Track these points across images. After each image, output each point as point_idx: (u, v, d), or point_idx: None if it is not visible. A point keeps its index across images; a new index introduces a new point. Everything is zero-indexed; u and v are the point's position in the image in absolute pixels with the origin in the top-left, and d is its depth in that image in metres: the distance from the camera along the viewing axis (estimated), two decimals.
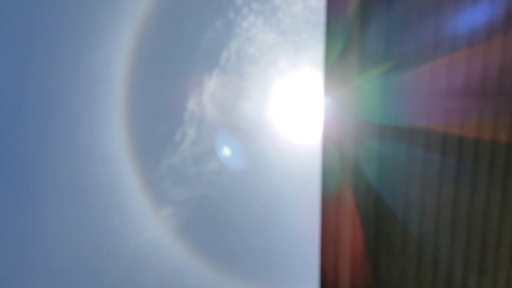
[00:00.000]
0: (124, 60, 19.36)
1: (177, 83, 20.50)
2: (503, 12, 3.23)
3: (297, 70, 20.98)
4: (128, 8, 19.07)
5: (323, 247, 3.35)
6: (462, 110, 3.26)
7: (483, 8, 3.21)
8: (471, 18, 3.24)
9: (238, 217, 21.54)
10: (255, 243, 21.33)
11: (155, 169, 20.48)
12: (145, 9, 18.84)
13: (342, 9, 3.31)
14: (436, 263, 3.49)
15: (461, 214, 3.35)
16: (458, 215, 3.35)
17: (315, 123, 22.00)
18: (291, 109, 21.32)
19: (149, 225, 20.47)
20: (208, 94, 20.62)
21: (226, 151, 21.09)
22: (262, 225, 21.47)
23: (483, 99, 3.21)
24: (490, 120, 3.22)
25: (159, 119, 20.70)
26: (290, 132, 21.66)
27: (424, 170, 3.35)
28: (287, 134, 21.68)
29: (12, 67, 19.25)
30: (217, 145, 21.43)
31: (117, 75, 19.53)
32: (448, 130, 3.24)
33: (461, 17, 3.25)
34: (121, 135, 20.10)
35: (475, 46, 3.28)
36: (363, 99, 3.16)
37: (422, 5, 3.28)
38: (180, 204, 21.01)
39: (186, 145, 21.39)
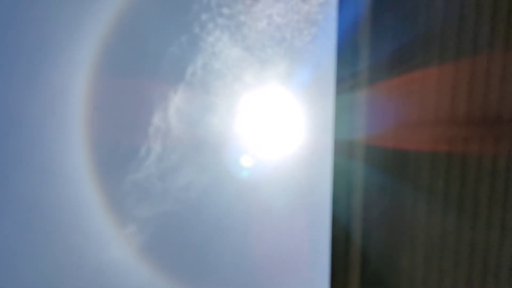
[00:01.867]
0: (85, 74, 18.91)
1: (142, 98, 20.18)
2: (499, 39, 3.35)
3: (262, 85, 21.10)
4: (90, 22, 18.71)
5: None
6: (461, 138, 3.32)
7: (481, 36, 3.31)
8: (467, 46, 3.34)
9: (205, 234, 21.22)
10: (223, 261, 21.03)
11: (118, 186, 19.95)
12: (108, 23, 18.54)
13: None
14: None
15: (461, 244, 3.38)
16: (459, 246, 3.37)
17: (280, 137, 22.14)
18: (257, 123, 21.37)
19: (112, 244, 19.83)
20: (174, 109, 20.39)
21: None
22: (230, 242, 21.22)
23: (483, 127, 3.29)
24: (490, 148, 3.30)
25: (123, 134, 20.25)
26: (256, 146, 21.66)
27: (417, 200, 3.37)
28: (253, 148, 21.66)
29: None
30: (184, 160, 21.13)
31: (78, 90, 19.04)
32: (440, 157, 3.29)
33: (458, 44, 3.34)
34: (82, 151, 19.52)
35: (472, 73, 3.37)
36: (347, 122, 3.15)
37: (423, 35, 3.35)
38: (144, 221, 20.51)
39: (151, 160, 20.99)
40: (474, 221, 3.45)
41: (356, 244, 3.31)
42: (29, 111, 19.18)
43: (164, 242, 20.70)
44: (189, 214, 21.16)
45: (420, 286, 3.46)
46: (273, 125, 21.12)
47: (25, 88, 18.89)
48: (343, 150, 2.97)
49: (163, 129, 20.66)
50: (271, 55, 22.12)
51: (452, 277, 3.51)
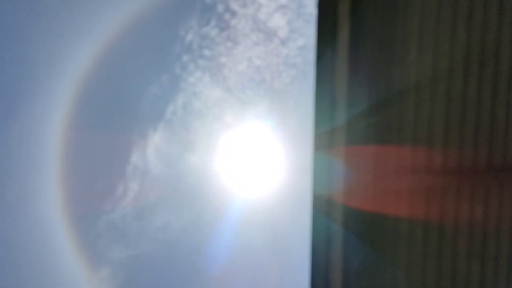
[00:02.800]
0: (64, 110, 18.70)
1: (121, 136, 20.00)
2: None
3: (242, 125, 21.22)
4: (73, 58, 18.71)
5: None
6: (437, 188, 3.35)
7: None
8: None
9: (180, 276, 20.60)
10: None
11: (93, 226, 19.36)
12: (91, 61, 18.57)
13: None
14: None
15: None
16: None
17: (259, 178, 22.09)
18: (236, 164, 21.31)
19: (85, 287, 19.01)
20: (153, 148, 20.22)
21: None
22: (206, 285, 20.61)
23: (459, 177, 3.34)
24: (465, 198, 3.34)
25: (100, 173, 19.87)
26: (235, 186, 21.51)
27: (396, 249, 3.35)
28: (232, 189, 21.50)
29: None
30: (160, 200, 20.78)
31: (55, 126, 18.77)
32: (417, 210, 3.31)
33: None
34: (55, 190, 19.00)
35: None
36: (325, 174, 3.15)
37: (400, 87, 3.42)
38: (119, 263, 19.83)
39: (127, 200, 20.56)
40: (453, 275, 3.44)
41: None
42: (3, 147, 18.72)
43: (139, 286, 19.97)
44: (165, 255, 20.59)
45: None
46: (252, 165, 21.09)
47: (1, 124, 18.53)
48: (320, 206, 2.96)
49: (141, 168, 20.38)
50: (250, 96, 22.41)
51: None
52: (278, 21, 20.27)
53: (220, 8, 19.37)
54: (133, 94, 20.31)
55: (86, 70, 18.54)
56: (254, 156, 21.18)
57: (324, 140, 3.09)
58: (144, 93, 20.23)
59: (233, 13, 19.63)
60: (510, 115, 3.82)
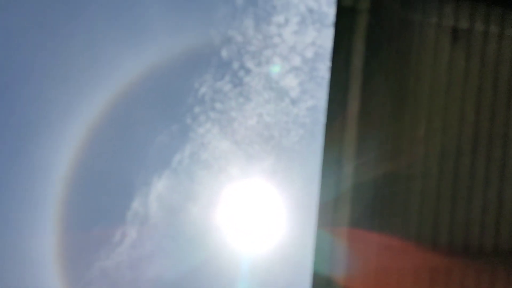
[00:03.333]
0: (72, 152, 18.82)
1: (125, 181, 19.96)
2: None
3: (247, 180, 21.15)
4: (84, 101, 19.07)
5: None
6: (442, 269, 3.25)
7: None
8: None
9: None
10: None
11: (85, 273, 18.85)
12: (103, 104, 18.89)
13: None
14: None
15: None
16: None
17: (262, 232, 21.66)
18: (238, 218, 21.02)
19: None
20: (155, 195, 20.08)
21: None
22: None
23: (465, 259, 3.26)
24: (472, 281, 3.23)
25: (99, 217, 19.65)
26: (236, 240, 21.08)
27: None
28: (233, 242, 21.06)
29: None
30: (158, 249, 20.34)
31: (59, 167, 18.80)
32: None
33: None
34: (52, 231, 18.71)
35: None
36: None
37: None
38: None
39: (124, 247, 20.16)
40: None
41: None
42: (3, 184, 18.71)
43: None
44: None
45: None
46: (253, 221, 20.78)
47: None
48: (320, 285, 2.86)
49: (141, 215, 20.14)
50: (258, 151, 22.53)
51: None
52: (291, 82, 20.74)
53: (236, 65, 19.95)
54: (142, 140, 20.51)
55: (97, 113, 18.87)
56: (256, 212, 20.92)
57: (328, 213, 3.04)
58: (153, 141, 20.44)
59: (248, 71, 20.19)
60: None
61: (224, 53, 20.32)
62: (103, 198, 20.17)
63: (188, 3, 20.08)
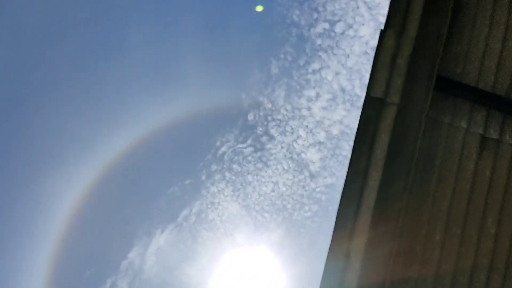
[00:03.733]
0: (79, 193, 18.80)
1: (127, 229, 19.69)
2: None
3: (251, 248, 20.57)
4: (106, 146, 19.35)
5: None
6: None
7: None
8: None
9: None
10: None
11: None
12: (123, 150, 19.14)
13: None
14: None
15: None
16: None
17: None
18: (233, 285, 20.21)
19: None
20: (155, 248, 19.62)
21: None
22: None
23: None
24: None
25: (93, 262, 19.19)
26: None
27: None
28: None
29: None
30: None
31: (64, 208, 18.68)
32: None
33: None
34: (45, 272, 18.25)
35: None
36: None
37: None
38: None
39: None
40: None
41: None
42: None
43: None
44: None
45: None
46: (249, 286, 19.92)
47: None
48: None
49: (136, 267, 19.54)
50: (268, 220, 22.08)
51: None
52: (312, 156, 20.76)
53: (260, 130, 20.20)
54: (153, 189, 20.45)
55: (116, 156, 19.07)
56: (254, 282, 20.11)
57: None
58: (164, 192, 20.34)
59: (271, 138, 20.37)
60: None
61: (251, 116, 20.69)
62: (102, 243, 19.79)
63: (225, 64, 20.84)
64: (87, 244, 19.44)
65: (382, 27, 3.57)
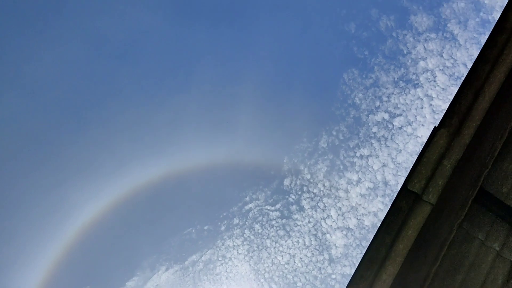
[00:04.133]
0: (96, 214, 18.79)
1: (133, 256, 19.39)
2: None
3: None
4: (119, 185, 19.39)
5: None
6: None
7: None
8: None
9: None
10: None
11: None
12: (152, 179, 19.18)
13: None
14: None
15: None
16: None
17: None
18: None
19: None
20: (154, 284, 19.10)
21: None
22: None
23: None
24: None
25: (90, 279, 18.88)
26: None
27: None
28: None
29: None
30: None
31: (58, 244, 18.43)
32: None
33: None
34: (41, 275, 18.08)
35: None
36: None
37: None
38: None
39: None
40: None
41: None
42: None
43: None
44: None
45: None
46: None
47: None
48: None
49: None
50: None
51: None
52: (337, 240, 20.05)
53: (292, 198, 19.91)
54: (171, 226, 20.29)
55: (148, 185, 19.25)
56: None
57: None
58: (181, 231, 20.11)
59: (301, 209, 19.97)
60: None
61: (287, 182, 20.51)
62: (105, 263, 19.56)
63: (278, 124, 21.06)
64: (91, 261, 19.34)
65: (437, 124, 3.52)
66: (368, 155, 19.29)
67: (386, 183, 19.25)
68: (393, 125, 18.83)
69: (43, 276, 18.20)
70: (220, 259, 19.89)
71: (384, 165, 19.09)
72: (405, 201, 3.34)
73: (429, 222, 3.31)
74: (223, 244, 19.99)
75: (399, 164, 19.09)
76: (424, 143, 3.57)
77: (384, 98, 19.31)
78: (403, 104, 19.04)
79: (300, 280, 19.88)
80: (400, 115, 18.90)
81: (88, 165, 19.60)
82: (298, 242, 20.04)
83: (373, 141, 19.12)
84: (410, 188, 3.36)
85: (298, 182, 19.94)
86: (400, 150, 18.76)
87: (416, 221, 3.28)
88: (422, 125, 18.69)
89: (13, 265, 18.53)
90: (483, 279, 3.26)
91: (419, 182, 3.37)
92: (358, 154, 19.31)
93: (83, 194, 19.02)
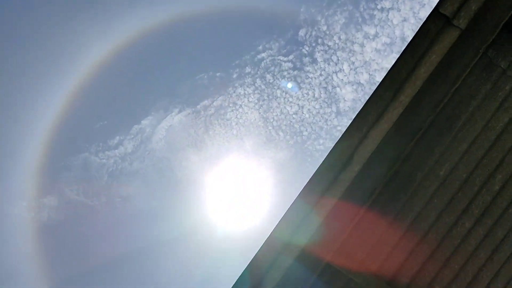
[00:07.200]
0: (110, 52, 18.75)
1: (149, 95, 19.93)
2: None
3: (256, 158, 21.02)
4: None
5: None
6: None
7: None
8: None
9: (110, 241, 20.05)
10: None
11: (68, 156, 19.16)
12: (162, 24, 18.70)
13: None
14: None
15: None
16: None
17: (242, 214, 21.59)
18: (229, 186, 20.94)
19: (23, 202, 18.64)
20: (167, 124, 20.07)
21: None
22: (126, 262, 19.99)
23: None
24: None
25: (107, 116, 19.70)
26: (217, 205, 21.13)
27: None
28: (213, 205, 21.11)
29: None
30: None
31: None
32: None
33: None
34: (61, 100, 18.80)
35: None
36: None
37: None
38: (67, 202, 19.44)
39: (115, 153, 20.38)
40: None
41: None
42: None
43: (70, 229, 19.48)
44: (111, 219, 20.13)
45: None
46: (239, 192, 20.70)
47: None
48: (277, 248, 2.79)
49: (146, 134, 20.21)
50: (280, 139, 22.29)
51: None
52: (347, 94, 20.35)
53: (306, 49, 19.62)
54: (184, 72, 20.48)
55: (163, 27, 18.83)
56: (244, 187, 20.83)
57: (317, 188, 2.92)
58: (193, 77, 20.37)
59: (314, 61, 19.85)
60: (493, 284, 3.53)
61: (302, 32, 20.01)
62: (121, 101, 20.33)
63: None
64: (106, 98, 20.02)
65: None
66: (389, 8, 18.38)
67: (403, 39, 18.74)
68: None
69: (58, 111, 19.09)
70: (231, 105, 20.54)
71: (404, 20, 18.33)
72: (434, 24, 3.28)
73: (454, 48, 3.29)
74: (234, 92, 20.43)
75: (420, 19, 18.32)
76: None
77: None
78: None
79: (306, 130, 20.77)
80: None
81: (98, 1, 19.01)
82: (308, 93, 20.39)
83: None
84: (441, 11, 3.26)
85: (313, 33, 19.43)
86: (424, 5, 17.81)
87: (442, 45, 3.26)
88: None
89: (29, 99, 19.32)
90: (498, 105, 3.37)
91: (452, 5, 3.26)
92: (379, 7, 18.40)
93: (94, 31, 18.83)
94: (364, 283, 3.36)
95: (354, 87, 19.96)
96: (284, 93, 20.23)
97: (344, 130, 3.39)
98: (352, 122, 3.22)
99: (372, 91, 3.37)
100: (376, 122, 3.32)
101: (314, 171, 3.33)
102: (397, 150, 3.33)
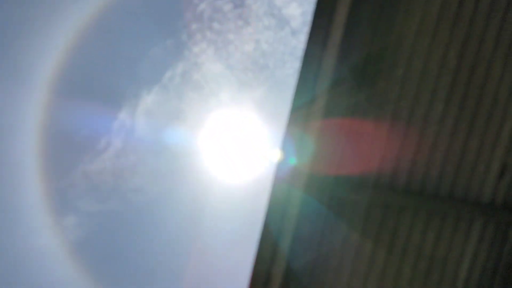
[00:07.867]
0: (57, 58, 18.33)
1: (114, 89, 19.79)
2: None
3: (236, 105, 21.14)
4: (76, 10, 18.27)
5: None
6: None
7: None
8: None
9: (145, 239, 20.65)
10: (156, 268, 20.46)
11: (67, 174, 19.25)
12: (95, 13, 18.16)
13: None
14: None
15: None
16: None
17: (244, 160, 22.09)
18: (219, 141, 21.28)
19: (45, 231, 18.97)
20: (143, 109, 20.08)
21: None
22: (169, 251, 20.71)
23: None
24: None
25: (85, 122, 19.69)
26: (214, 162, 21.51)
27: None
28: (214, 165, 21.50)
29: None
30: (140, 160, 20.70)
31: (46, 70, 18.35)
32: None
33: None
34: (33, 133, 18.71)
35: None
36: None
37: None
38: (86, 215, 19.81)
39: (108, 155, 20.45)
40: (402, 254, 3.57)
41: (281, 262, 3.26)
42: None
43: (101, 240, 20.00)
44: (133, 217, 20.61)
45: None
46: (234, 144, 21.07)
47: None
48: (284, 178, 2.98)
49: (128, 127, 20.23)
50: (250, 78, 22.28)
51: None
52: (294, 11, 20.09)
53: None
54: (135, 51, 20.06)
55: (91, 17, 18.20)
56: (238, 137, 21.15)
57: (300, 113, 3.08)
58: (146, 53, 20.01)
59: None
60: (481, 152, 3.84)
61: None
62: (89, 105, 20.10)
63: None
64: (74, 107, 19.70)
65: None
66: None
67: None
68: None
69: (36, 140, 18.93)
70: (193, 67, 20.31)
71: None
72: None
73: None
74: (190, 52, 20.10)
75: None
76: None
77: None
78: None
79: (271, 59, 20.68)
80: None
81: None
82: (258, 26, 20.09)
83: None
84: None
85: None
86: None
87: None
88: None
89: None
90: None
91: None
92: None
93: None
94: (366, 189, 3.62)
95: (298, 1, 19.63)
96: (236, 35, 19.93)
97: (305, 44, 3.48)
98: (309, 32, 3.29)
99: None
100: (323, 52, 3.42)
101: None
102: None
